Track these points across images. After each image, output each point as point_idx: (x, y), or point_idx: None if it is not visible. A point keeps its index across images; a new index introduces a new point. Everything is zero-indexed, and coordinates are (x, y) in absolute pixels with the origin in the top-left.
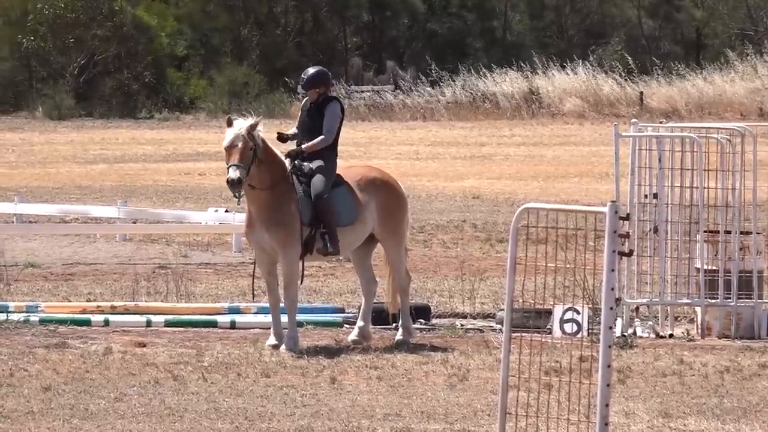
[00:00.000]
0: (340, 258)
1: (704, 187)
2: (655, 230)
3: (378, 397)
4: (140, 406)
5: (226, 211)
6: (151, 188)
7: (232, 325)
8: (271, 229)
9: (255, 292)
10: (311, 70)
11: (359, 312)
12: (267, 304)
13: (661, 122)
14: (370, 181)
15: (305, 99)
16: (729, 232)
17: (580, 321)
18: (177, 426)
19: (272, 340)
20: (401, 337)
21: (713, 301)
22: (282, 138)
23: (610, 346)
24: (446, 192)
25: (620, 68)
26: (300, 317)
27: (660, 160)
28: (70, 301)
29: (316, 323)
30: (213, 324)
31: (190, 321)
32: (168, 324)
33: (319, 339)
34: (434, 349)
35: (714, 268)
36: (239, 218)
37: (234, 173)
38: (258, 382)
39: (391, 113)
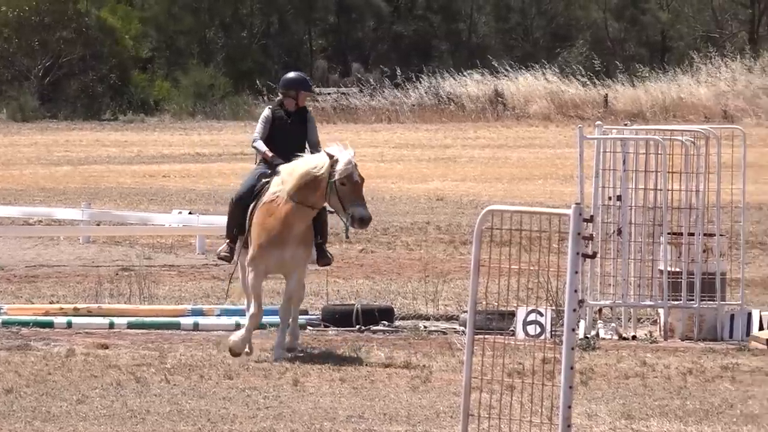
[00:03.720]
0: None
1: (668, 190)
2: (619, 232)
3: (341, 399)
4: (102, 408)
5: (190, 213)
6: (115, 190)
7: (195, 327)
8: (301, 246)
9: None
10: (297, 74)
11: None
12: (231, 307)
13: (625, 124)
14: None
15: (277, 108)
16: (692, 234)
17: (543, 323)
18: (139, 428)
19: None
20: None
21: (676, 303)
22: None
23: (573, 348)
24: (410, 194)
25: (585, 71)
26: (264, 319)
27: (624, 163)
28: (33, 303)
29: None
30: (176, 326)
31: (153, 323)
32: (131, 326)
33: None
34: (397, 351)
35: (677, 270)
36: (203, 220)
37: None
38: (221, 384)
39: (356, 115)
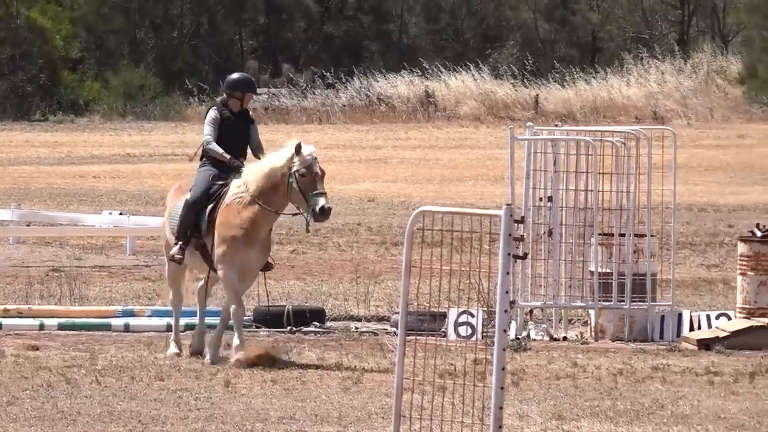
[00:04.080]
0: None
1: (599, 191)
2: (550, 233)
3: (272, 400)
4: (33, 410)
5: (120, 213)
6: (45, 191)
7: (126, 328)
8: (262, 252)
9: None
10: (242, 75)
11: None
12: (162, 308)
13: (556, 125)
14: None
15: (222, 109)
16: (623, 235)
17: (475, 324)
18: (70, 429)
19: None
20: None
21: (607, 303)
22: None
23: (504, 349)
24: (342, 195)
25: (516, 72)
26: (195, 320)
27: (555, 164)
28: None
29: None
30: (107, 327)
31: (84, 324)
32: (61, 327)
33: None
34: (329, 352)
35: (608, 271)
36: (134, 221)
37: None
38: (152, 385)
39: (287, 116)
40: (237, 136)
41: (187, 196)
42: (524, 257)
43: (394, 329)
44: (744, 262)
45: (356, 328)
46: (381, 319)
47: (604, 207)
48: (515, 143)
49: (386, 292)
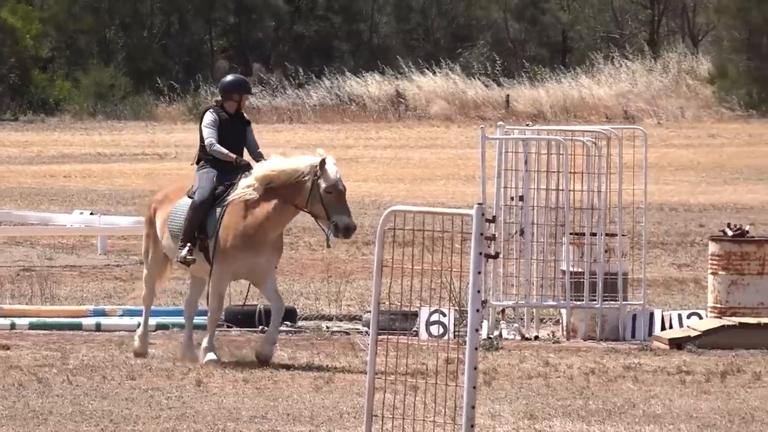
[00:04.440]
0: None
1: (570, 190)
2: (521, 233)
3: (244, 400)
4: (4, 409)
5: (91, 213)
6: (15, 190)
7: (98, 328)
8: (277, 252)
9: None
10: (238, 77)
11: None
12: (134, 307)
13: (527, 125)
14: None
15: (220, 111)
16: (594, 235)
17: (447, 323)
18: (41, 429)
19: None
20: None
21: (578, 303)
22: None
23: (476, 348)
24: None
25: (486, 71)
26: (166, 320)
27: (526, 163)
28: None
29: (183, 326)
30: (78, 326)
31: (55, 324)
32: (32, 327)
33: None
34: (300, 351)
35: (579, 270)
36: (105, 221)
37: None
38: (123, 384)
39: (258, 115)
40: (234, 138)
41: (194, 197)
42: (496, 256)
43: (365, 328)
44: (715, 262)
45: (328, 327)
46: (352, 318)
47: (575, 206)
48: (486, 142)
49: (358, 292)
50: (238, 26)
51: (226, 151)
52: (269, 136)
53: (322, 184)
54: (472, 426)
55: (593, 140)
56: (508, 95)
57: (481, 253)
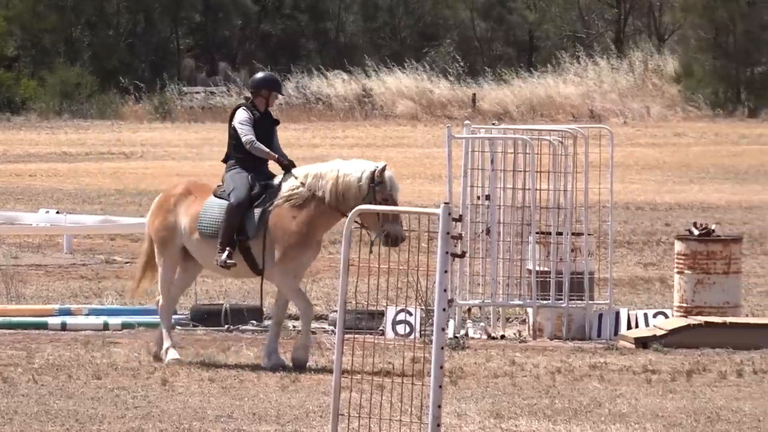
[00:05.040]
0: None
1: (536, 189)
2: (488, 232)
3: (210, 399)
4: None
5: (57, 212)
6: None
7: (63, 327)
8: (318, 251)
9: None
10: (268, 74)
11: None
12: (99, 306)
13: (493, 124)
14: None
15: (252, 108)
16: (560, 234)
17: (413, 322)
18: (6, 428)
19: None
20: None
21: (545, 302)
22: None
23: (442, 348)
24: None
25: (453, 70)
26: (132, 319)
27: (492, 162)
28: None
29: (149, 325)
30: (43, 326)
31: (20, 323)
32: None
33: (151, 340)
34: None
35: (546, 269)
36: (70, 219)
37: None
38: (89, 384)
39: (224, 114)
40: (264, 136)
41: (231, 199)
42: (462, 255)
43: (332, 328)
44: (681, 261)
45: (294, 326)
46: (319, 317)
47: (541, 205)
48: (453, 142)
49: (324, 291)
50: (204, 25)
51: (267, 149)
52: None
53: (380, 193)
54: (438, 425)
55: (560, 139)
56: (474, 94)
57: (447, 252)
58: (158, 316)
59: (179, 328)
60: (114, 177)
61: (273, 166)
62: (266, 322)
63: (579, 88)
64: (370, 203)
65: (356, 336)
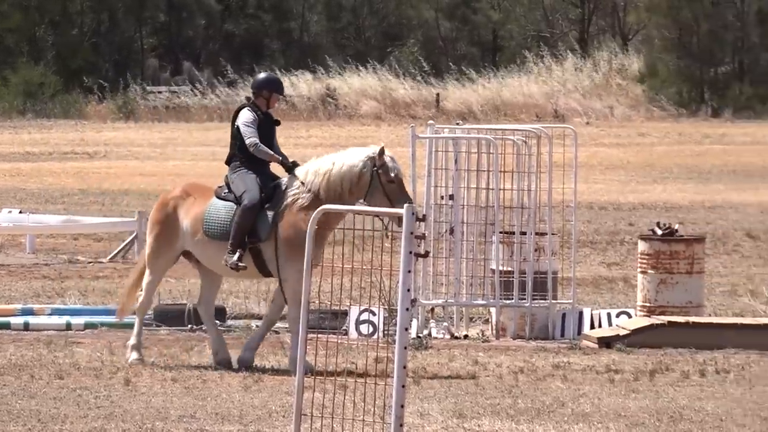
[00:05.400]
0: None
1: (500, 189)
2: (451, 231)
3: (172, 399)
4: None
5: (20, 212)
6: None
7: (26, 327)
8: (322, 250)
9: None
10: (270, 75)
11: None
12: (62, 306)
13: (457, 124)
14: None
15: (256, 109)
16: (524, 234)
17: (376, 322)
18: None
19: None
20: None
21: (508, 302)
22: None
23: (405, 347)
24: None
25: (417, 70)
26: (95, 319)
27: (456, 162)
28: None
29: (111, 325)
30: (6, 326)
31: None
32: None
33: (114, 340)
34: (230, 350)
35: (509, 269)
36: (33, 219)
37: None
38: (51, 383)
39: (188, 114)
40: (265, 137)
41: (244, 200)
42: (426, 255)
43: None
44: (644, 261)
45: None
46: (282, 317)
47: (505, 205)
48: (417, 141)
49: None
50: (168, 25)
51: (270, 152)
52: (199, 135)
53: (384, 175)
54: (401, 425)
55: (523, 139)
56: (438, 94)
57: (411, 252)
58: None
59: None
60: (77, 177)
61: (275, 167)
62: (229, 322)
63: (543, 87)
64: (376, 188)
65: (319, 336)
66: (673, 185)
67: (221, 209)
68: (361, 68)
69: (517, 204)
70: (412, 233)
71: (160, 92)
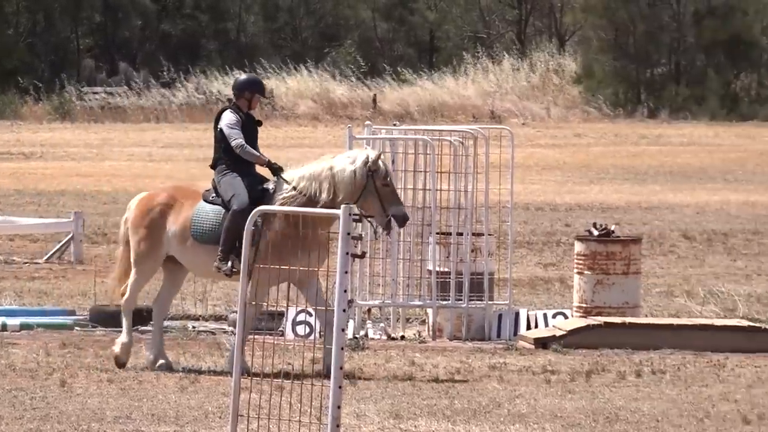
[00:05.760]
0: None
1: (437, 189)
2: (388, 232)
3: (108, 400)
4: None
5: None
6: None
7: None
8: (325, 251)
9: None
10: (252, 76)
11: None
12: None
13: (394, 124)
14: None
15: (237, 110)
16: (461, 234)
17: (313, 323)
18: None
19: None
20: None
21: (445, 302)
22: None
23: (342, 348)
24: None
25: (353, 71)
26: (31, 320)
27: (393, 162)
28: None
29: (47, 326)
30: None
31: None
32: None
33: (50, 341)
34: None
35: (446, 269)
36: None
37: None
38: None
39: (124, 115)
40: (249, 138)
41: (233, 205)
42: (362, 256)
43: (231, 328)
44: (581, 261)
45: (194, 327)
46: (218, 318)
47: (442, 206)
48: (354, 142)
49: (224, 291)
50: (104, 25)
51: (257, 153)
52: (135, 136)
53: (379, 178)
54: (338, 426)
55: (460, 140)
56: (375, 95)
57: (347, 253)
58: (55, 316)
59: (78, 329)
60: (13, 177)
61: (261, 170)
62: (165, 323)
63: (479, 88)
64: (369, 192)
65: (256, 336)
66: (609, 186)
67: (210, 214)
68: (298, 69)
69: (453, 205)
70: (348, 234)
71: (96, 93)
